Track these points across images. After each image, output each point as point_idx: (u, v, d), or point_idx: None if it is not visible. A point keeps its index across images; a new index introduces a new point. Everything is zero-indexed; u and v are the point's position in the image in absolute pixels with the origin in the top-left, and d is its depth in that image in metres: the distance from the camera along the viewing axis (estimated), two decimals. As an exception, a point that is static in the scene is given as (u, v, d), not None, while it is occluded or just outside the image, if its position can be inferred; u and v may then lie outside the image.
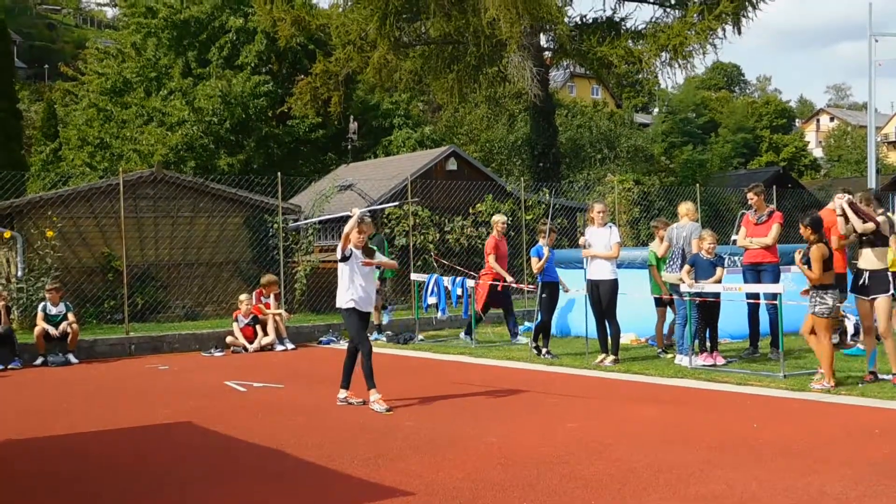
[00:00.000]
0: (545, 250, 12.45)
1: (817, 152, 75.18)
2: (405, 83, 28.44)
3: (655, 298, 12.45)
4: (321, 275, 18.37)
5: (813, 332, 9.44)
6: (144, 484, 6.49)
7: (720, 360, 11.17)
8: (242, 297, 15.13)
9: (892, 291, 9.41)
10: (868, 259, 9.50)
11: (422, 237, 20.38)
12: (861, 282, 9.53)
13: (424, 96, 35.23)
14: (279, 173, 17.85)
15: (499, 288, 14.12)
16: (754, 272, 11.51)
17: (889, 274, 9.43)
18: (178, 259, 17.91)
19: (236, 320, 14.92)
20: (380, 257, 9.84)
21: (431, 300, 15.22)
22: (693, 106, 64.27)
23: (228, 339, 14.83)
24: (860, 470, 6.21)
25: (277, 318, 15.28)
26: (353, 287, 9.24)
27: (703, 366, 11.02)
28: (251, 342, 14.77)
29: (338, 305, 9.43)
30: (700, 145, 55.41)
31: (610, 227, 11.72)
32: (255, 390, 10.73)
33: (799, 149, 66.36)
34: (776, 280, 11.11)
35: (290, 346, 15.04)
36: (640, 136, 42.65)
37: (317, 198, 20.07)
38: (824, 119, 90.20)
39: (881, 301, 9.33)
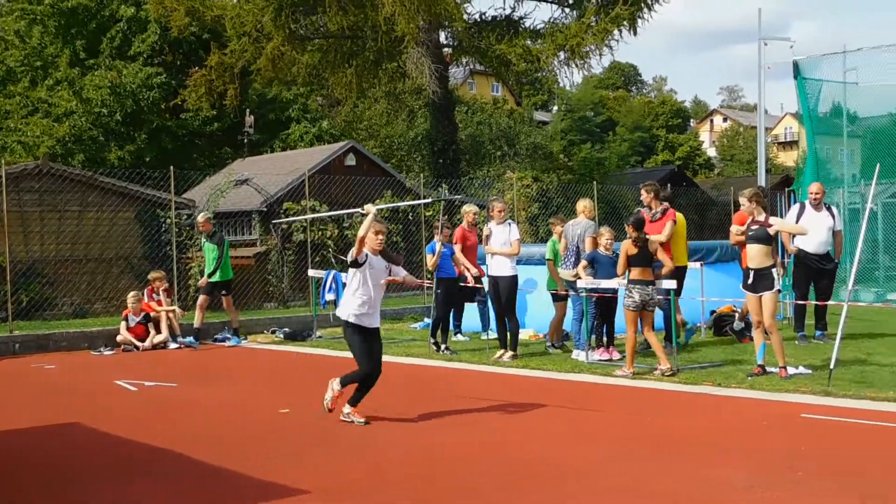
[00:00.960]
0: (438, 246, 12.43)
1: (711, 152, 77.41)
2: (303, 77, 28.11)
3: (552, 294, 12.53)
4: (216, 271, 17.94)
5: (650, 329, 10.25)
6: (27, 485, 6.19)
7: (616, 355, 11.32)
8: (130, 295, 14.64)
9: (777, 288, 9.69)
10: (755, 257, 9.77)
11: (320, 233, 20.14)
12: (749, 279, 9.80)
13: (323, 91, 34.88)
14: (172, 167, 17.37)
15: (468, 282, 13.03)
16: (649, 268, 11.70)
17: (774, 271, 9.71)
18: (65, 255, 17.27)
19: (126, 319, 14.43)
20: (397, 270, 8.40)
21: (329, 297, 15.04)
22: (591, 105, 65.47)
23: (119, 337, 14.35)
24: (755, 460, 6.34)
25: (171, 315, 14.85)
26: (358, 298, 7.99)
27: (600, 361, 11.15)
28: (143, 340, 14.32)
29: (337, 313, 8.33)
30: (598, 143, 56.48)
31: (509, 223, 11.75)
32: (147, 389, 10.38)
33: (693, 148, 68.19)
34: (670, 276, 11.30)
35: (183, 343, 14.61)
36: (540, 134, 43.23)
37: (212, 192, 19.64)
38: (718, 119, 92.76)
39: (768, 297, 9.61)
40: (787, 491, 5.61)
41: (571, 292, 11.71)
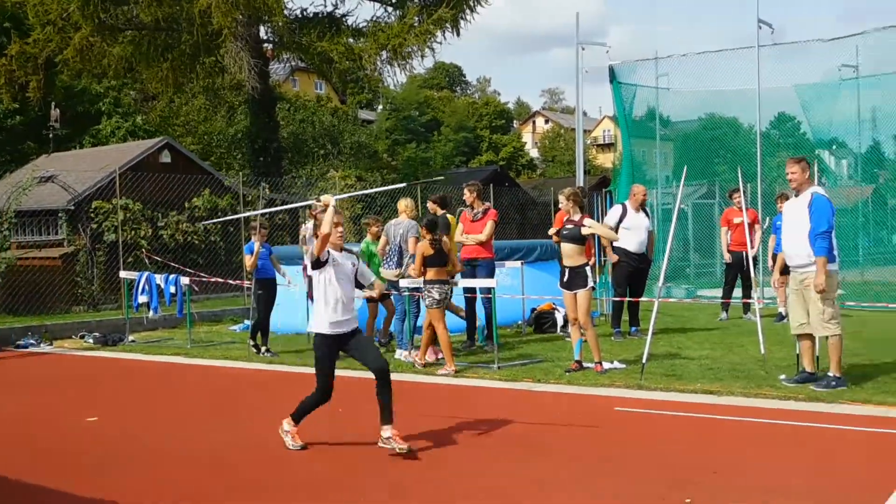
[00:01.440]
0: (257, 246, 12.08)
1: (534, 153, 79.32)
2: (115, 70, 26.77)
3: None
4: (19, 273, 16.94)
5: (431, 325, 10.45)
6: None
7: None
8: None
9: (591, 285, 9.92)
10: (569, 255, 9.97)
11: (133, 232, 19.26)
12: (564, 277, 10.00)
13: (137, 84, 33.44)
14: (-33, 162, 16.19)
15: None
16: (470, 267, 11.77)
17: (588, 269, 9.94)
18: None
19: (-87, 326, 13.28)
20: (365, 272, 7.30)
21: (142, 299, 14.40)
22: (416, 104, 65.73)
23: None
24: (568, 454, 6.43)
25: (-35, 322, 13.78)
26: (329, 305, 6.86)
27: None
28: (-68, 350, 13.22)
29: (311, 329, 7.15)
30: (423, 143, 56.84)
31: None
32: (-67, 404, 9.56)
33: (517, 149, 69.69)
34: (491, 275, 11.41)
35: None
36: (364, 133, 43.02)
37: (13, 190, 18.40)
38: (540, 121, 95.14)
39: (582, 294, 9.83)
40: (597, 483, 5.70)
41: (394, 292, 11.60)
